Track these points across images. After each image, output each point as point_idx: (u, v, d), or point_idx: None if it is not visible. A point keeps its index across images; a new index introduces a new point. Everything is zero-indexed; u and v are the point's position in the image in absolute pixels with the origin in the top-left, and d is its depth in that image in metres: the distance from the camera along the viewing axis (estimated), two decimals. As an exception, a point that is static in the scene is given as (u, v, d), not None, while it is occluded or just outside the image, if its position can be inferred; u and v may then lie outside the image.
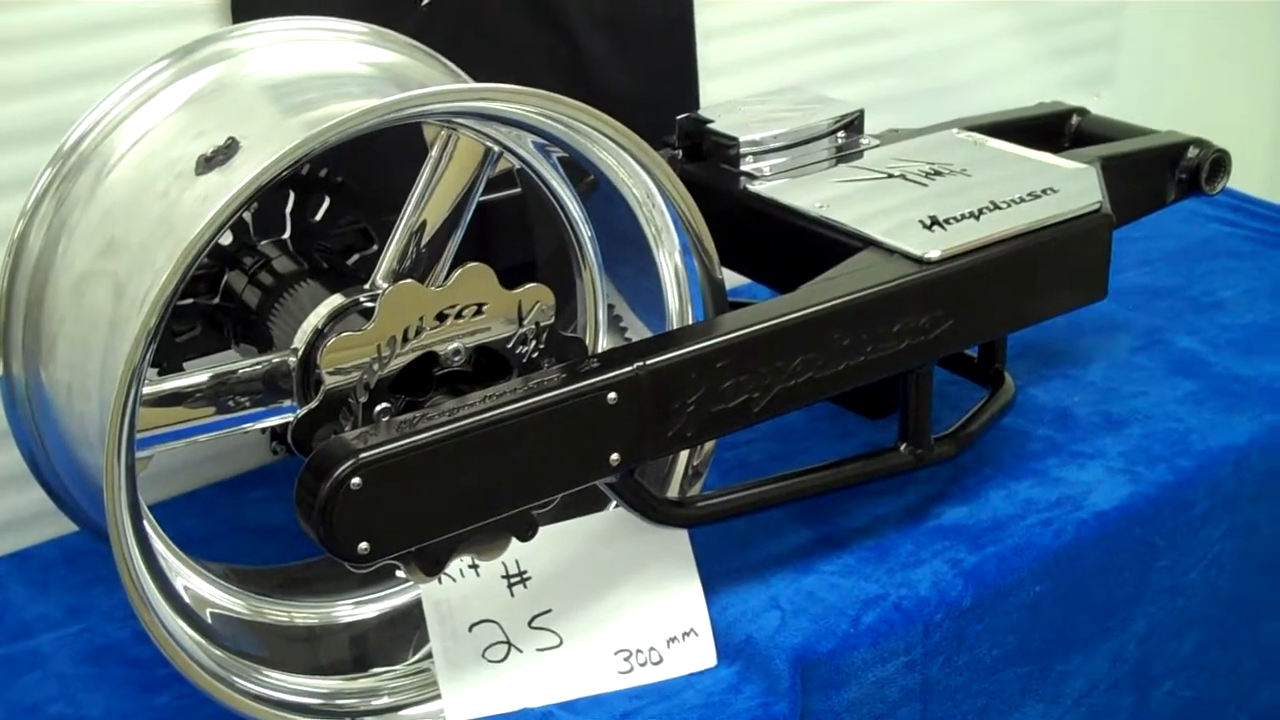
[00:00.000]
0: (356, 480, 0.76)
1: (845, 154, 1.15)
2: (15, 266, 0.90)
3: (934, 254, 0.96)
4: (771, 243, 1.05)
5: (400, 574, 0.89)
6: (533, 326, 0.86)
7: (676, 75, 1.31)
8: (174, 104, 0.91)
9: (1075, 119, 1.29)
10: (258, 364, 0.89)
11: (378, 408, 0.83)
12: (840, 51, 1.46)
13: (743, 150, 1.12)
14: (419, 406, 0.84)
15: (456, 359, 0.84)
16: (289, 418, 0.90)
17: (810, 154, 1.14)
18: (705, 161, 1.14)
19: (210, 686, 0.81)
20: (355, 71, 0.98)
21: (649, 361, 0.84)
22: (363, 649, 0.93)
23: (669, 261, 0.96)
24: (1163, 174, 1.20)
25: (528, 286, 0.85)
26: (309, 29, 0.98)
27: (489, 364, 0.86)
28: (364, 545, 0.77)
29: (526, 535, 0.86)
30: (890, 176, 1.09)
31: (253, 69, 0.94)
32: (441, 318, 0.83)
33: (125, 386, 0.74)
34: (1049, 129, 1.28)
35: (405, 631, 0.95)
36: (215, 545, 1.05)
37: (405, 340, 0.82)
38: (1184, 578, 1.12)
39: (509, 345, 0.86)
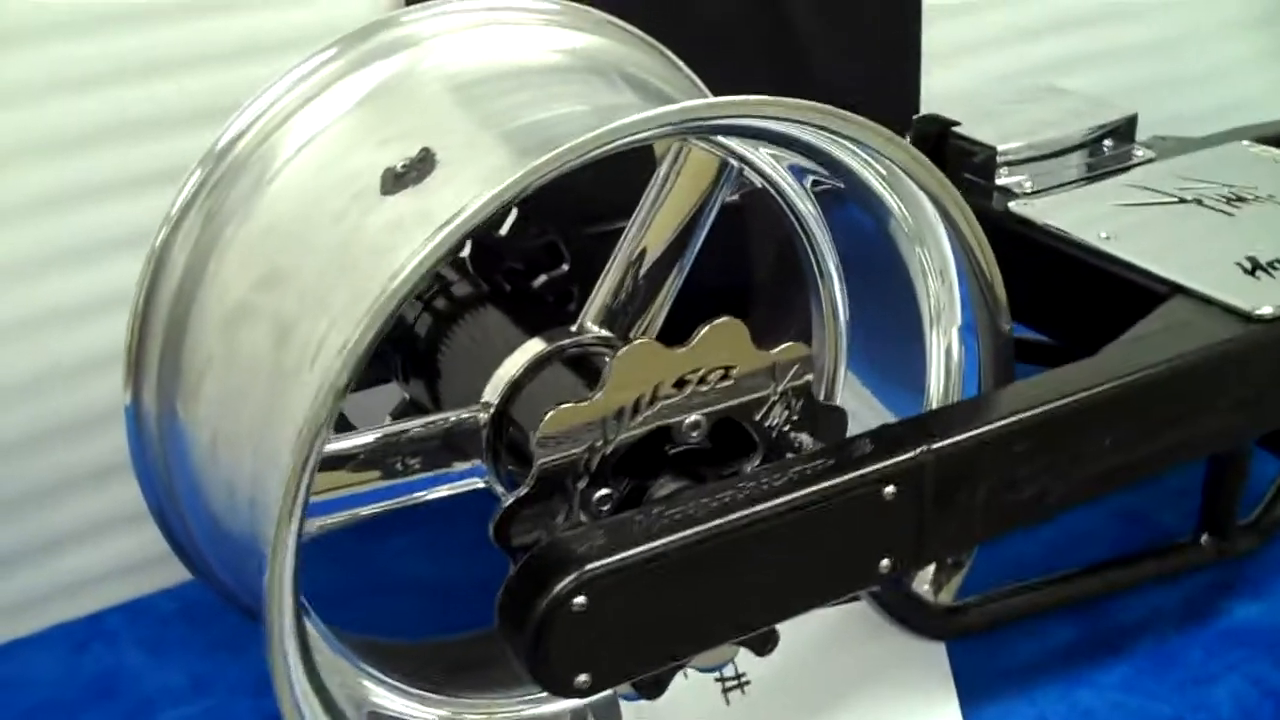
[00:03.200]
0: (581, 599, 0.59)
1: (1114, 168, 0.97)
2: (154, 283, 0.74)
3: (1267, 310, 0.78)
4: (1044, 278, 0.88)
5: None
6: (786, 392, 0.69)
7: (899, 65, 1.12)
8: (348, 102, 0.74)
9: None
10: (436, 422, 0.73)
11: (598, 494, 0.66)
12: (1052, 40, 1.27)
13: (1000, 160, 0.94)
14: (645, 492, 0.67)
15: (694, 434, 0.67)
16: (473, 483, 0.74)
17: (1073, 166, 0.97)
18: (947, 171, 0.96)
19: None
20: (551, 63, 0.81)
21: (937, 445, 0.67)
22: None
23: (941, 339, 0.79)
24: None
25: (784, 345, 0.68)
26: (496, 8, 0.82)
27: (729, 437, 0.69)
28: (583, 677, 0.61)
29: (764, 650, 0.70)
30: (1183, 201, 0.91)
31: (437, 61, 0.77)
32: (680, 384, 0.66)
33: (304, 450, 0.58)
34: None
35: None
36: (351, 606, 0.88)
37: (636, 411, 0.66)
38: None
39: (757, 416, 0.69)
